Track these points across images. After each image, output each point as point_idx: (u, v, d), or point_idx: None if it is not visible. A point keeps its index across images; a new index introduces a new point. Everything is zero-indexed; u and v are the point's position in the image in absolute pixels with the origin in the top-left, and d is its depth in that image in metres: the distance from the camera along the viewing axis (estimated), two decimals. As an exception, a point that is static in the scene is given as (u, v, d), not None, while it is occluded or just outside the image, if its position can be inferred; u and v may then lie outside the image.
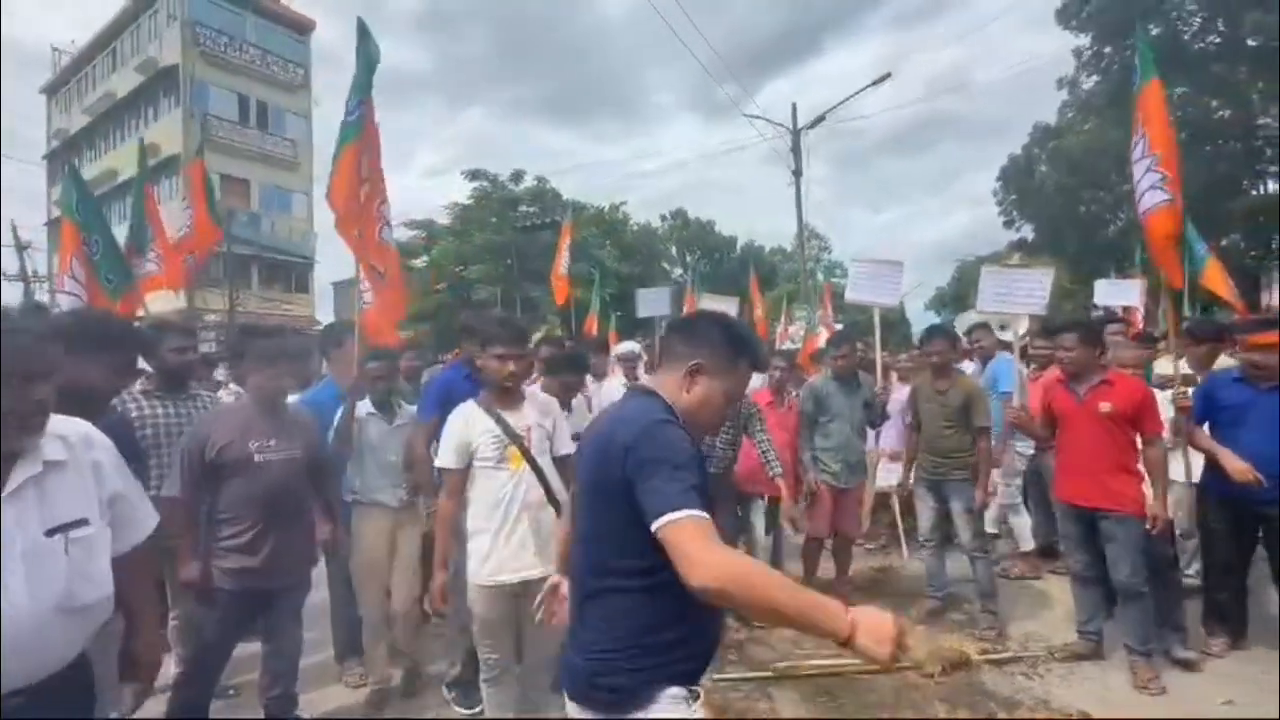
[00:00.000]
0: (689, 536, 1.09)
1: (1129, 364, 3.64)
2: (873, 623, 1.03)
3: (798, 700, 2.92)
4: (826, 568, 4.19)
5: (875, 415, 4.17)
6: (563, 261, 8.33)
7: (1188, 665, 3.08)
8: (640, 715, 1.22)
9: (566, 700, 1.33)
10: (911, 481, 4.00)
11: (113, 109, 25.48)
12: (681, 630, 1.26)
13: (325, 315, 24.33)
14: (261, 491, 2.32)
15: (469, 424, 2.38)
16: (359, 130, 3.23)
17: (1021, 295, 4.06)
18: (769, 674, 3.10)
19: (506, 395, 2.43)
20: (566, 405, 3.44)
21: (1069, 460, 3.20)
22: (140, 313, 4.68)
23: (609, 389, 4.81)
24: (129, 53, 25.06)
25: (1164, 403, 3.30)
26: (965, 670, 3.12)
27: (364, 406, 3.03)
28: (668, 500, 1.13)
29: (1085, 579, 3.23)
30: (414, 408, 3.18)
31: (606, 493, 1.26)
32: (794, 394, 4.28)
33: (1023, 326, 4.34)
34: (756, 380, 4.92)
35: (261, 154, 23.89)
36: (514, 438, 2.36)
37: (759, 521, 4.09)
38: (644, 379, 4.66)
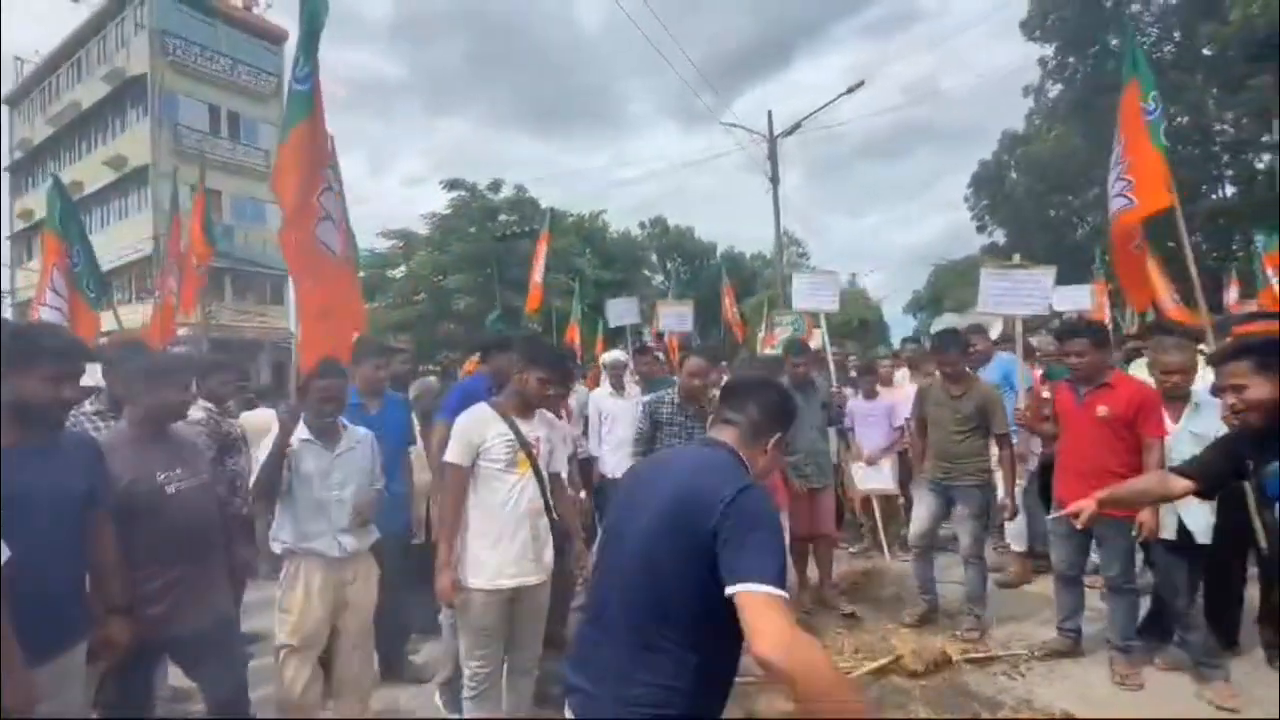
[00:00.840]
0: (774, 610, 1.10)
1: (1175, 368, 3.01)
2: None
3: (781, 702, 2.90)
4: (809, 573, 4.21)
5: (833, 415, 4.31)
6: (538, 269, 8.36)
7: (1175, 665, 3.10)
8: None
9: None
10: (912, 483, 4.05)
11: (78, 119, 24.88)
12: (715, 692, 1.32)
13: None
14: (177, 527, 2.09)
15: (483, 424, 2.41)
16: (309, 105, 2.59)
17: (1023, 295, 4.12)
18: (750, 679, 3.09)
19: (523, 405, 2.49)
20: (554, 412, 3.48)
21: (1065, 461, 3.24)
22: (101, 329, 4.55)
23: (597, 396, 4.82)
24: (95, 62, 24.51)
25: (1216, 413, 2.72)
26: (948, 671, 3.15)
27: (299, 432, 2.49)
28: (762, 570, 1.13)
29: (1067, 578, 3.28)
30: (362, 429, 2.72)
31: (686, 540, 1.23)
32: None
33: (995, 330, 4.44)
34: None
35: (234, 165, 23.49)
36: (525, 445, 2.42)
37: None
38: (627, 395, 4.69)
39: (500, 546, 2.34)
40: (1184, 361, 3.00)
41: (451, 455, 2.38)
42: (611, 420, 4.54)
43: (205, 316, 6.82)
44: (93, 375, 2.57)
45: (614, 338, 10.43)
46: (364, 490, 2.59)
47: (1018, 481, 4.19)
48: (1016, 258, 5.34)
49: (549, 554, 2.46)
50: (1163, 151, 3.51)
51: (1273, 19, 12.25)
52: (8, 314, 19.62)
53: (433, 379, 4.11)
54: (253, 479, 2.52)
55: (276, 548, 2.52)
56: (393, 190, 76.12)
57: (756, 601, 1.10)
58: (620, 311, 7.46)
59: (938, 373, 3.96)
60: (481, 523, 2.36)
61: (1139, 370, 3.94)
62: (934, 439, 3.81)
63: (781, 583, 1.14)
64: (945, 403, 3.79)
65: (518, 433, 2.42)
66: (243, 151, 24.05)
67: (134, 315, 21.35)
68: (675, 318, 7.39)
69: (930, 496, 3.81)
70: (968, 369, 3.95)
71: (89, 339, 4.40)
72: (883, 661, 3.13)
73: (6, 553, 1.47)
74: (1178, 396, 3.02)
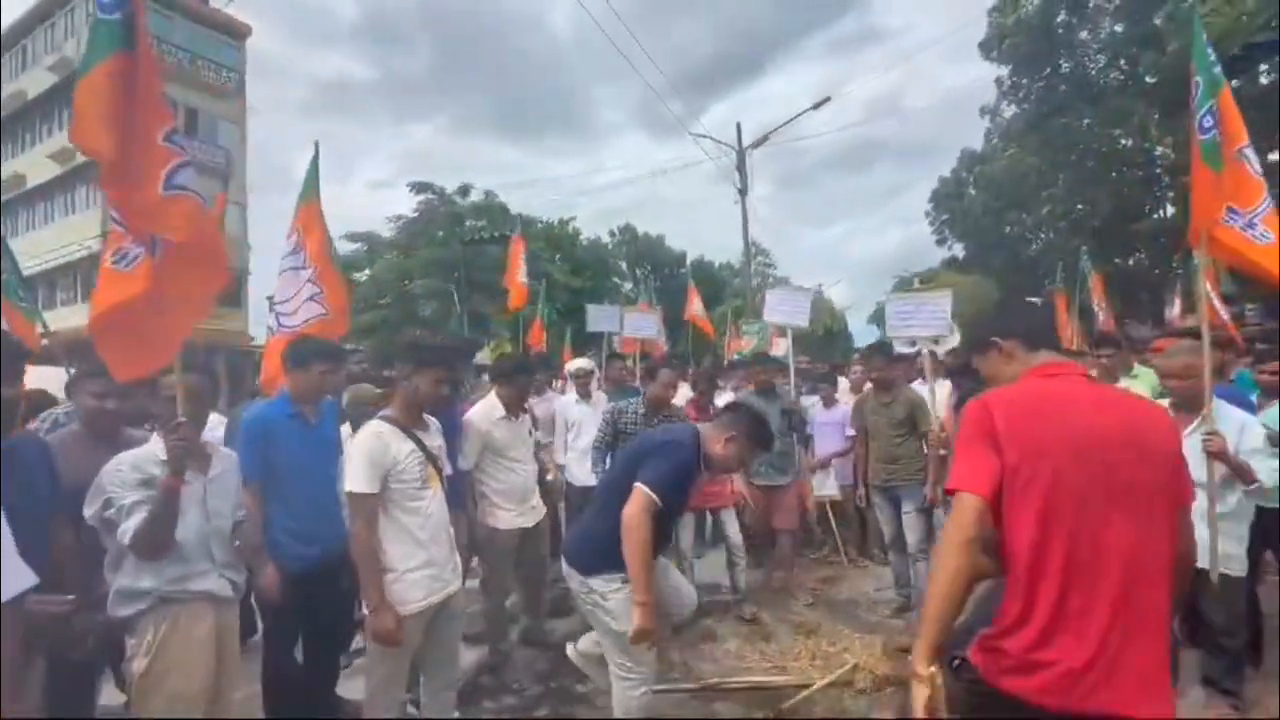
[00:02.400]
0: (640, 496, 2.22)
1: (1177, 373, 2.75)
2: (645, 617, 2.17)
3: (739, 712, 2.93)
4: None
5: (795, 422, 4.43)
6: (519, 269, 8.32)
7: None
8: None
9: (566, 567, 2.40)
10: (861, 491, 4.26)
11: (22, 110, 23.73)
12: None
13: (259, 331, 23.22)
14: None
15: (389, 445, 2.27)
16: (127, 37, 2.09)
17: (925, 318, 4.39)
18: (711, 682, 3.11)
19: (418, 413, 2.43)
20: (517, 411, 3.51)
21: None
22: (40, 331, 4.32)
23: (564, 404, 4.84)
24: (41, 50, 23.43)
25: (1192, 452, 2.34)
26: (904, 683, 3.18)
27: (159, 452, 2.03)
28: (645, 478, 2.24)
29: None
30: (229, 452, 2.40)
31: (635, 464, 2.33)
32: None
33: (953, 340, 4.59)
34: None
35: (191, 162, 22.72)
36: (432, 459, 2.38)
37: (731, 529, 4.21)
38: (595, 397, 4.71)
39: (428, 565, 2.29)
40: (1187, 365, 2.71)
41: (361, 484, 2.17)
42: (578, 427, 4.55)
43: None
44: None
45: (581, 345, 10.42)
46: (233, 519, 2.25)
47: None
48: (916, 282, 5.58)
49: (459, 559, 2.51)
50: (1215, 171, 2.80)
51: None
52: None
53: (367, 385, 3.86)
54: (132, 529, 1.94)
55: (129, 608, 1.99)
56: (358, 193, 74.62)
57: (637, 491, 2.21)
58: (600, 318, 7.42)
59: (868, 383, 4.31)
60: (406, 544, 2.25)
61: (1133, 384, 3.92)
62: (875, 446, 4.11)
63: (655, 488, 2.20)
64: (879, 410, 4.12)
65: (424, 448, 2.34)
66: (201, 149, 23.28)
67: (78, 316, 20.50)
68: (643, 324, 7.40)
69: (884, 501, 4.09)
70: (894, 377, 4.24)
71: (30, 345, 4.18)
72: (838, 673, 3.13)
73: (33, 578, 1.41)
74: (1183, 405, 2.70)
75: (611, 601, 2.26)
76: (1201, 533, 2.24)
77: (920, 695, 1.31)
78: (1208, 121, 2.80)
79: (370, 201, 74.01)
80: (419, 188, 23.75)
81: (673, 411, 3.88)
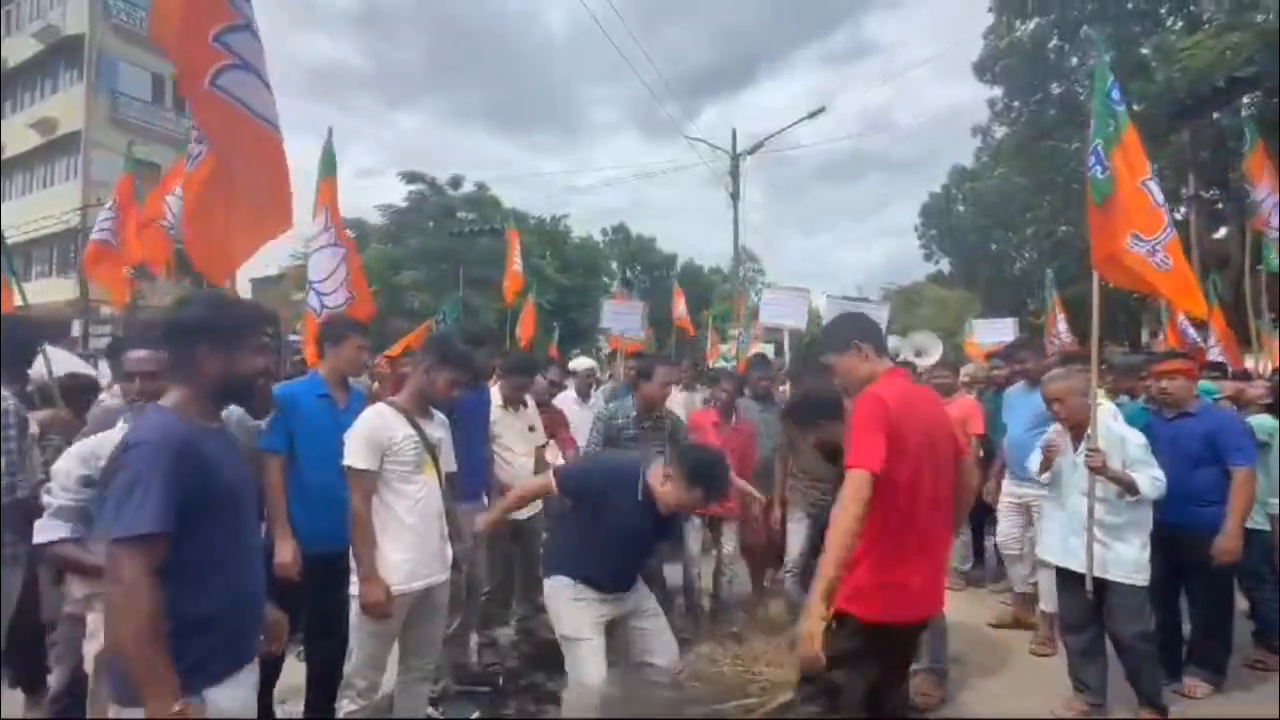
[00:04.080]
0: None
1: (1057, 396, 2.94)
2: None
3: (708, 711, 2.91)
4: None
5: None
6: (516, 260, 8.28)
7: None
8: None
9: None
10: (777, 514, 3.81)
11: (3, 77, 23.13)
12: None
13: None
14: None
15: (389, 426, 2.33)
16: None
17: (790, 310, 4.92)
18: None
19: (425, 405, 2.46)
20: (515, 405, 3.60)
21: None
22: (18, 303, 4.21)
23: (562, 401, 4.78)
24: (26, 17, 22.84)
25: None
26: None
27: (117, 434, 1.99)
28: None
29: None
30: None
31: None
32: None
33: (935, 354, 4.64)
34: (699, 400, 5.02)
35: (178, 138, 22.28)
36: (430, 447, 2.40)
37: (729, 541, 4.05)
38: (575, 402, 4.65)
39: (413, 548, 2.30)
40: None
41: (359, 460, 2.25)
42: (574, 429, 4.49)
43: (133, 295, 6.36)
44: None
45: (567, 342, 10.38)
46: None
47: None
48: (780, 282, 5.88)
49: (449, 552, 2.47)
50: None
51: (1193, 80, 13.33)
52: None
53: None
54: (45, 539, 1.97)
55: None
56: (345, 181, 73.54)
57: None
58: (615, 317, 7.00)
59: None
60: (391, 526, 2.29)
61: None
62: (804, 463, 3.67)
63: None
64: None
65: (423, 435, 2.38)
66: (188, 125, 22.88)
67: (56, 290, 19.99)
68: (624, 317, 6.85)
69: (806, 521, 3.63)
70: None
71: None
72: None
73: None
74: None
75: (552, 603, 2.46)
76: (1083, 539, 2.80)
77: (817, 630, 1.69)
78: (1091, 160, 3.02)
79: (357, 189, 73.31)
80: (411, 177, 23.55)
81: (664, 414, 3.73)
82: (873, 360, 2.03)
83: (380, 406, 2.40)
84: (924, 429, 1.91)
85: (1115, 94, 3.07)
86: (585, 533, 2.48)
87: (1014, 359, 4.27)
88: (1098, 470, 2.72)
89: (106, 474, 1.30)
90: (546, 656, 3.19)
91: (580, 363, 4.96)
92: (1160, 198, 3.01)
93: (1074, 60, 19.42)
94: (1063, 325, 7.65)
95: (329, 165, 3.53)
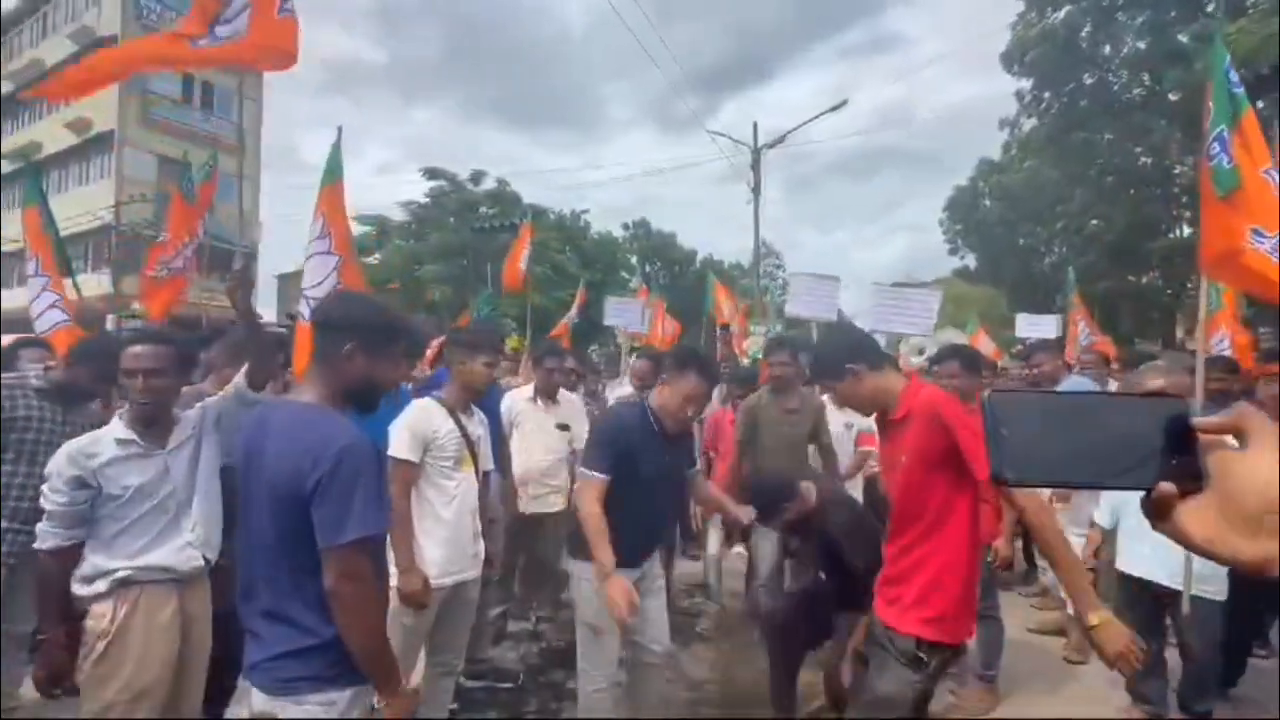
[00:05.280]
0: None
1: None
2: None
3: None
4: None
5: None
6: (522, 255, 8.30)
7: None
8: None
9: None
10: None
11: (40, 78, 23.76)
12: None
13: (267, 309, 23.24)
14: None
15: (432, 420, 2.38)
16: None
17: (909, 316, 4.20)
18: None
19: (468, 398, 2.51)
20: (545, 398, 3.64)
21: None
22: (72, 296, 4.39)
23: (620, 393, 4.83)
24: (62, 20, 23.47)
25: None
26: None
27: (113, 432, 1.96)
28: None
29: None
30: (192, 417, 2.14)
31: None
32: None
33: (929, 350, 4.49)
34: (716, 401, 4.92)
35: (206, 136, 22.73)
36: (470, 444, 2.45)
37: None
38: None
39: (447, 543, 2.33)
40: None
41: (403, 451, 2.30)
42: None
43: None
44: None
45: (585, 337, 10.33)
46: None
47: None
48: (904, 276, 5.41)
49: (482, 549, 2.50)
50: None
51: (1237, 68, 12.85)
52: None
53: None
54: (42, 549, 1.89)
55: (91, 587, 1.87)
56: (363, 178, 74.68)
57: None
58: (617, 312, 7.17)
59: (764, 390, 3.66)
60: (427, 519, 2.33)
61: None
62: (770, 464, 3.33)
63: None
64: (780, 420, 3.48)
65: (464, 431, 2.43)
66: (216, 123, 23.31)
67: (89, 287, 20.55)
68: (626, 311, 6.70)
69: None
70: (793, 375, 3.60)
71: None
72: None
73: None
74: None
75: (581, 587, 2.38)
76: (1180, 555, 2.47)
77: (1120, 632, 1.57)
78: (1214, 148, 2.73)
79: (377, 184, 74.07)
80: (431, 173, 23.73)
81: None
82: (873, 375, 1.88)
83: (425, 401, 2.46)
84: None
85: (1233, 75, 2.80)
86: (614, 501, 2.28)
87: (1031, 361, 4.17)
88: None
89: (317, 478, 1.30)
90: (567, 656, 3.18)
91: (641, 361, 4.45)
92: None
93: (1107, 48, 18.84)
94: (1084, 325, 7.25)
95: (332, 172, 3.50)
